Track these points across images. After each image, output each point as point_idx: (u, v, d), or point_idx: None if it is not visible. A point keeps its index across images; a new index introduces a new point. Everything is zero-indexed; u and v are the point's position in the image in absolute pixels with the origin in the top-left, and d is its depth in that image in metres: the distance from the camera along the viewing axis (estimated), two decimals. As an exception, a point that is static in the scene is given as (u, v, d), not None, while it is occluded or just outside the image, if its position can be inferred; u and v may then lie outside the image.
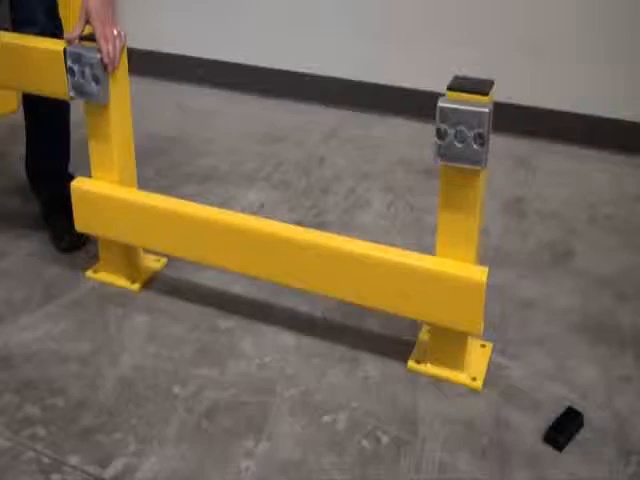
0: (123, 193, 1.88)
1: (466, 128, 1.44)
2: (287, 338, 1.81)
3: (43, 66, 1.80)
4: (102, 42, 1.70)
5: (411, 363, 1.72)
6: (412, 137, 2.90)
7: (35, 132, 2.19)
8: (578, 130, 2.82)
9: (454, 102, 1.45)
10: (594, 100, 2.77)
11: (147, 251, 2.04)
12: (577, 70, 2.77)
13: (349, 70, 3.09)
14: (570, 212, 2.39)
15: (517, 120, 2.83)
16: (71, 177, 1.99)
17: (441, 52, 2.88)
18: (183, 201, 1.86)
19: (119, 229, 1.89)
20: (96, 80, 1.74)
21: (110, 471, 1.44)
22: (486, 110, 1.43)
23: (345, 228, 2.25)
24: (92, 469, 1.45)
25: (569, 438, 1.52)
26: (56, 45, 1.78)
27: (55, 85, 1.79)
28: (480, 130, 1.44)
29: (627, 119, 2.75)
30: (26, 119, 2.18)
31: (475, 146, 1.45)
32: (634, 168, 2.68)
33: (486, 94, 1.45)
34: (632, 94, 2.73)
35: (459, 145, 1.46)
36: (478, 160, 1.47)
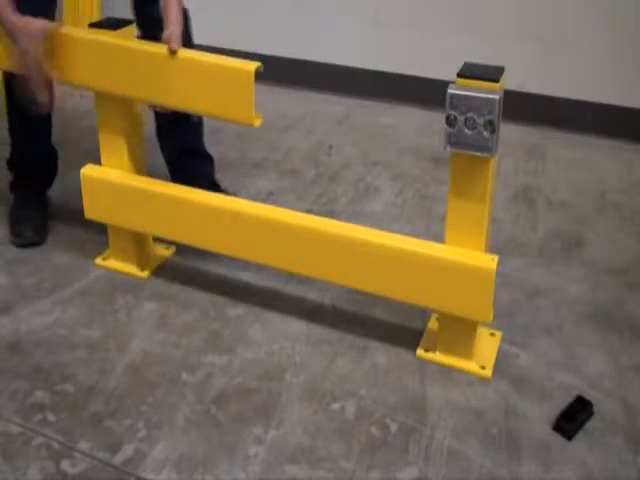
0: (133, 181, 1.88)
1: (476, 115, 1.43)
2: (296, 326, 1.81)
3: (223, 88, 1.61)
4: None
5: (420, 351, 1.72)
6: (421, 125, 2.89)
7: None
8: (588, 118, 2.80)
9: (464, 89, 1.44)
10: (605, 88, 2.76)
11: (156, 239, 2.05)
12: (587, 58, 2.75)
13: (358, 58, 3.08)
14: (580, 201, 2.38)
15: (527, 108, 2.82)
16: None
17: (451, 40, 2.86)
18: (192, 189, 1.85)
19: (128, 217, 1.90)
20: None
21: (120, 457, 1.45)
22: (496, 97, 1.42)
23: (354, 216, 2.24)
24: (102, 455, 1.45)
25: (578, 427, 1.51)
26: (242, 65, 1.58)
27: (237, 109, 1.63)
28: (490, 117, 1.43)
29: (638, 107, 2.73)
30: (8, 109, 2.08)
31: (485, 133, 1.44)
32: (645, 157, 2.67)
33: (496, 81, 1.44)
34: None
35: (469, 132, 1.45)
36: (488, 147, 1.46)
